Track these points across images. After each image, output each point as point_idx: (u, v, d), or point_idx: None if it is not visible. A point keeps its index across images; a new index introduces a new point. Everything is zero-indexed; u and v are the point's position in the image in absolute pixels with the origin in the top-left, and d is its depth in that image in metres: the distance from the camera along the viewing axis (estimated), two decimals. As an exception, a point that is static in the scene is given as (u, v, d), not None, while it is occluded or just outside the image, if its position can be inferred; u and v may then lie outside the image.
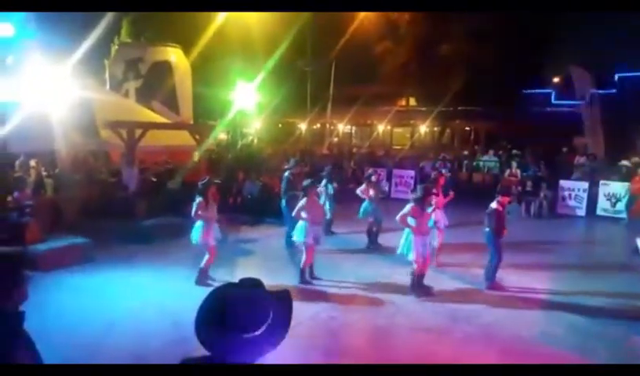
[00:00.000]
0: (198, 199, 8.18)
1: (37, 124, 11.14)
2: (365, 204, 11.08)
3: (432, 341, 6.34)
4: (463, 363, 5.68)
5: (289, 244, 10.27)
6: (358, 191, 11.34)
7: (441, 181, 10.09)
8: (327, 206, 11.60)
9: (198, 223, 8.21)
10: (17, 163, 13.55)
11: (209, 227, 8.16)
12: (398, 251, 8.03)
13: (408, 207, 7.73)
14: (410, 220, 7.69)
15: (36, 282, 7.34)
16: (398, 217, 7.78)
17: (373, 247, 10.80)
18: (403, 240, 7.93)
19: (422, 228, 7.77)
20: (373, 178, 11.56)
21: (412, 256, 7.76)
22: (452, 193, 10.05)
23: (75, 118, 12.27)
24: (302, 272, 8.43)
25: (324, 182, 11.75)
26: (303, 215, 8.27)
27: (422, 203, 7.74)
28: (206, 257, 8.22)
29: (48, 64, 12.19)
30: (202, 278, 8.15)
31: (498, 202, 8.32)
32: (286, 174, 11.12)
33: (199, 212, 8.12)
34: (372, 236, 10.96)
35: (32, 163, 14.56)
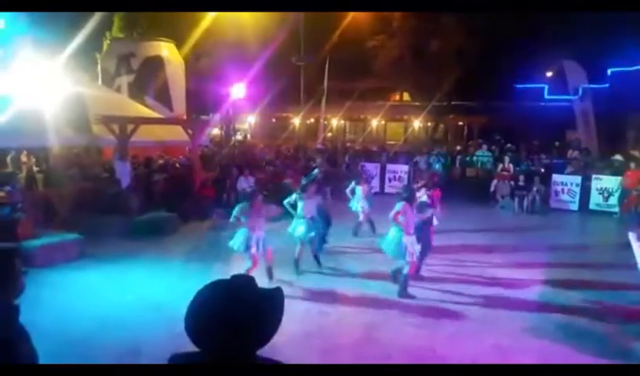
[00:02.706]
0: (243, 204, 8.01)
1: (28, 120, 11.05)
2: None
3: (424, 336, 6.36)
4: (455, 357, 5.70)
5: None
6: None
7: (435, 179, 10.21)
8: (359, 207, 11.39)
9: (242, 230, 7.95)
10: (8, 158, 13.47)
11: (252, 235, 7.86)
12: (386, 252, 7.97)
13: (400, 205, 7.71)
14: (401, 218, 7.67)
15: (29, 279, 7.27)
16: (390, 215, 7.78)
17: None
18: (390, 241, 7.85)
19: (410, 227, 7.73)
20: None
21: (407, 257, 7.67)
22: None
23: (67, 113, 12.16)
24: (296, 261, 8.71)
25: (353, 183, 11.62)
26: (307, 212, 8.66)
27: (411, 201, 7.77)
28: (248, 265, 7.87)
29: (39, 58, 12.09)
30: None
31: (428, 196, 8.77)
32: (315, 172, 10.82)
33: (240, 218, 7.89)
34: None
35: (23, 158, 14.49)
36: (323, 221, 9.75)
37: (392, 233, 7.83)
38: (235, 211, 7.96)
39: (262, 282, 1.84)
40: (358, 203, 11.39)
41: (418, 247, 7.79)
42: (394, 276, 8.03)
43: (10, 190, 10.09)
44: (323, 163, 12.10)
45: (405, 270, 7.74)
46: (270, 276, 8.11)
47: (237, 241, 7.96)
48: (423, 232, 8.27)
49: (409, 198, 7.77)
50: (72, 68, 14.94)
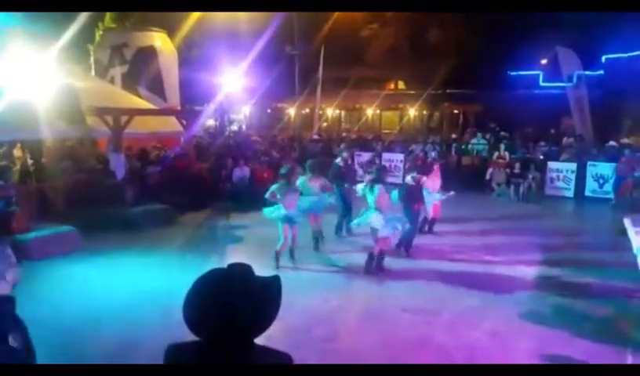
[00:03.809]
0: (281, 182, 8.36)
1: (21, 112, 10.96)
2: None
3: (421, 323, 6.37)
4: (452, 344, 5.72)
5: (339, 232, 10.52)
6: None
7: (435, 167, 10.33)
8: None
9: (279, 206, 8.31)
10: (0, 152, 13.38)
11: (287, 212, 8.28)
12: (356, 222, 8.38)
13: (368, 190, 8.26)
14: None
15: (23, 272, 7.25)
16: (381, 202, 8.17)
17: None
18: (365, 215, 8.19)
19: (384, 205, 8.05)
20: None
21: (381, 233, 7.95)
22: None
23: (60, 105, 12.07)
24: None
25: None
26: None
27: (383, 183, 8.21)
28: (281, 241, 8.35)
29: (31, 50, 11.97)
30: (277, 261, 8.28)
31: (413, 179, 9.17)
32: (337, 161, 10.84)
33: (277, 195, 8.27)
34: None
35: (16, 152, 14.38)
36: (345, 207, 10.23)
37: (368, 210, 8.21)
38: (273, 189, 8.36)
39: (260, 271, 1.81)
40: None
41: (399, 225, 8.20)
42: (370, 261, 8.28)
43: (4, 184, 10.01)
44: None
45: (375, 248, 8.17)
46: (292, 255, 8.58)
47: (275, 211, 8.34)
48: (410, 210, 8.88)
49: (376, 179, 8.14)
50: (65, 60, 14.81)
